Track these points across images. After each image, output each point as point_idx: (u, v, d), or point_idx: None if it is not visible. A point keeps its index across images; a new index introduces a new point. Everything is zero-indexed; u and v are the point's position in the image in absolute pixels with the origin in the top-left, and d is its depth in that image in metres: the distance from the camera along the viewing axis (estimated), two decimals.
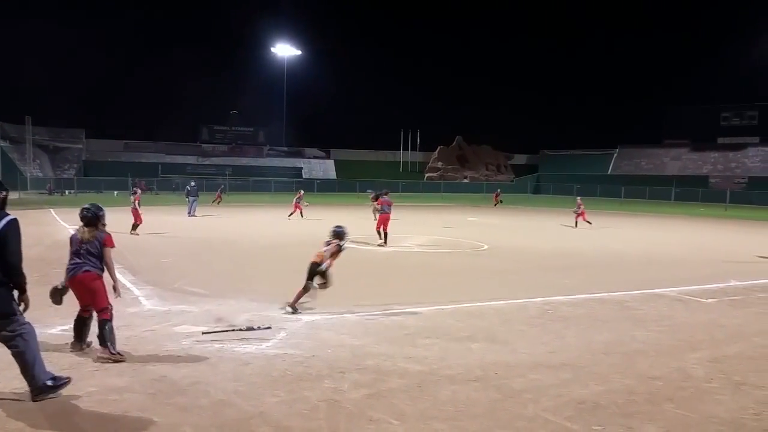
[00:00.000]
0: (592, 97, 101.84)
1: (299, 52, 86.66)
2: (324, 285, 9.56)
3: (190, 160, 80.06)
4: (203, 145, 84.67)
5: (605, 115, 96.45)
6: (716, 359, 7.28)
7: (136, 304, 9.71)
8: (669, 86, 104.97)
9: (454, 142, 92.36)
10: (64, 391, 5.62)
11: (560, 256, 17.45)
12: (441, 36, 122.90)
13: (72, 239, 7.08)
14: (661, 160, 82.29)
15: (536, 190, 79.87)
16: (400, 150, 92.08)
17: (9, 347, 5.47)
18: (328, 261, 9.62)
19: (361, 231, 20.91)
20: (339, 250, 9.83)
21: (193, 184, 31.34)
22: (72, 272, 6.88)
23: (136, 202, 21.57)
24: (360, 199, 44.89)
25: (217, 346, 7.28)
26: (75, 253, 6.94)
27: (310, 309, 9.43)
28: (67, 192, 56.62)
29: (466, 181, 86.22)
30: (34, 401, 5.39)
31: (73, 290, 6.97)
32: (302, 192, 31.95)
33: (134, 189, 23.79)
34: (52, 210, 32.59)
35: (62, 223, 24.35)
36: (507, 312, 9.68)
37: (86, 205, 7.23)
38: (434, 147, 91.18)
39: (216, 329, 7.80)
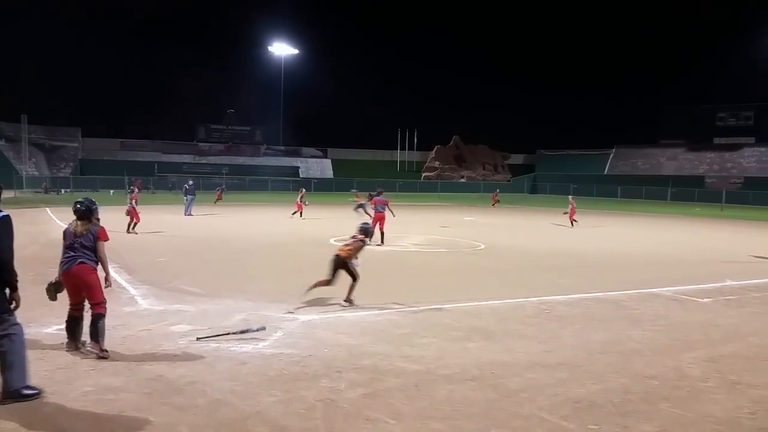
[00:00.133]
0: (588, 97, 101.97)
1: (296, 51, 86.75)
2: (353, 276, 9.95)
3: (187, 158, 80.00)
4: (200, 143, 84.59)
5: (602, 115, 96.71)
6: (712, 359, 7.29)
7: (132, 303, 9.69)
8: (665, 86, 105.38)
9: (451, 142, 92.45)
10: (61, 391, 5.61)
11: (557, 256, 17.47)
12: (438, 35, 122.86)
13: (65, 233, 7.06)
14: (658, 160, 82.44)
15: (533, 190, 80.00)
16: (397, 149, 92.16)
17: None
18: (355, 257, 10.08)
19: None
20: (363, 245, 10.22)
21: (191, 182, 31.45)
22: (66, 265, 6.86)
23: (134, 201, 21.54)
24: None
25: (213, 345, 7.28)
26: (69, 247, 6.92)
27: (334, 301, 9.49)
28: (63, 191, 56.55)
29: (463, 180, 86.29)
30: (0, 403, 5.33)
31: (66, 284, 6.94)
32: (304, 190, 31.94)
33: (132, 188, 23.74)
34: (47, 209, 32.51)
35: (58, 221, 24.27)
36: (504, 311, 9.68)
37: (80, 199, 7.24)
38: (431, 146, 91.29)
39: (210, 335, 7.74)
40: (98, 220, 7.22)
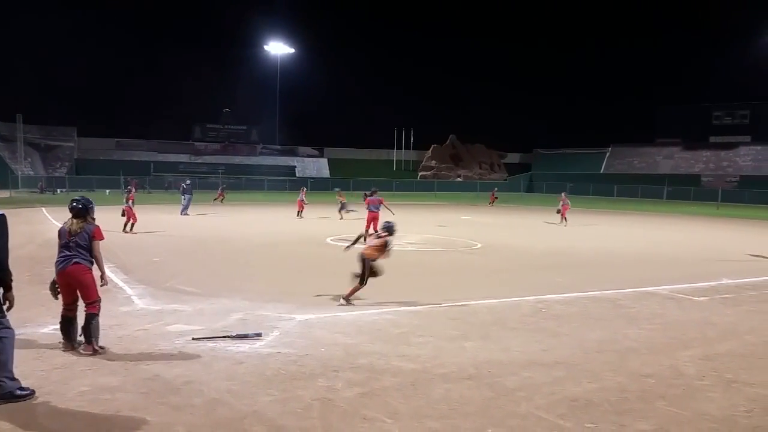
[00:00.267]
0: (584, 96, 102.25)
1: (292, 50, 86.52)
2: (374, 274, 10.12)
3: (183, 158, 79.89)
4: (196, 143, 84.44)
5: (598, 115, 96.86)
6: (708, 357, 7.31)
7: (129, 303, 9.67)
8: (661, 85, 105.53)
9: (448, 141, 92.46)
10: (57, 391, 5.60)
11: (553, 255, 17.49)
12: (435, 35, 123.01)
13: (60, 232, 7.05)
14: (654, 159, 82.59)
15: (529, 189, 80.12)
16: (393, 149, 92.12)
17: None
18: (378, 254, 10.21)
19: (354, 230, 20.92)
20: (386, 244, 10.32)
21: (188, 182, 31.51)
22: (62, 265, 6.85)
23: (131, 201, 21.48)
24: (354, 198, 44.85)
25: (210, 345, 7.27)
26: (64, 246, 6.91)
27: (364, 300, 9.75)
28: (58, 190, 56.41)
29: (459, 179, 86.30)
30: None
31: (61, 284, 6.93)
32: (305, 189, 31.95)
33: (129, 188, 23.68)
34: (43, 208, 32.45)
35: (54, 221, 24.20)
36: (500, 310, 9.69)
37: (76, 197, 7.22)
38: (428, 146, 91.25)
39: (206, 336, 7.72)
40: (94, 220, 7.21)
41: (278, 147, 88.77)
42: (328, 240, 19.77)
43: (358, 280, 10.00)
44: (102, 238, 7.09)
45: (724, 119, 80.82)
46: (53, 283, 7.07)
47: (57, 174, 67.35)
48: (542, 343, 7.77)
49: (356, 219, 25.45)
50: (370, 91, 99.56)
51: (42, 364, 6.37)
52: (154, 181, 65.26)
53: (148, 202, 36.30)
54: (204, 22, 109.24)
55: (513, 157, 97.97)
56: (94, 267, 7.00)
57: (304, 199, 30.15)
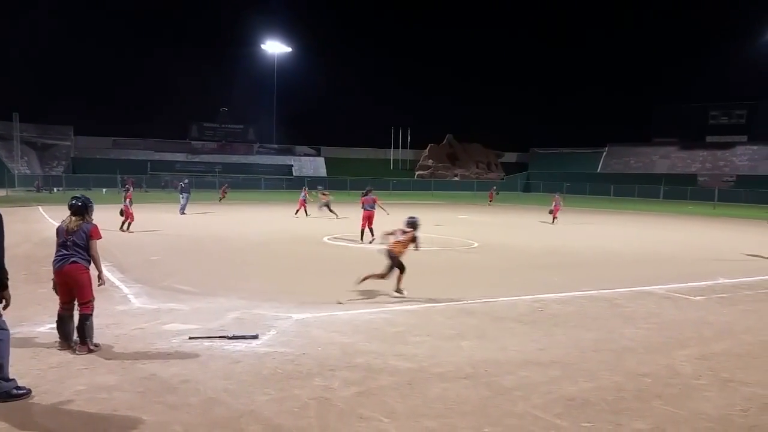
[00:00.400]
0: (581, 95, 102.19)
1: (289, 49, 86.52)
2: (383, 275, 10.39)
3: (180, 157, 79.81)
4: (193, 142, 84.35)
5: (595, 114, 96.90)
6: (704, 356, 7.32)
7: (125, 302, 9.65)
8: (658, 85, 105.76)
9: (445, 140, 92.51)
10: (53, 390, 5.59)
11: (550, 254, 17.51)
12: (432, 34, 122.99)
13: (58, 230, 7.05)
14: (650, 159, 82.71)
15: (526, 188, 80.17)
16: (390, 148, 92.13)
17: None
18: (404, 249, 10.53)
19: (351, 229, 20.93)
20: (415, 239, 10.61)
21: (186, 181, 31.66)
22: (59, 264, 6.85)
23: (128, 200, 21.44)
24: (350, 196, 44.85)
25: (206, 344, 7.26)
26: (61, 245, 6.90)
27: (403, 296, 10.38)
28: (55, 189, 56.27)
29: (456, 179, 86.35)
30: None
31: (58, 282, 6.93)
32: (306, 188, 32.00)
33: (127, 186, 23.63)
34: (40, 207, 32.38)
35: (50, 220, 24.16)
36: (497, 309, 9.70)
37: (77, 195, 7.22)
38: (425, 145, 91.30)
39: (203, 335, 7.70)
40: (92, 219, 7.20)
41: (275, 146, 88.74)
42: (325, 239, 19.76)
43: (398, 271, 10.41)
44: (99, 237, 7.08)
45: (721, 119, 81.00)
46: (54, 282, 7.06)
47: (53, 173, 67.20)
48: (539, 342, 7.77)
49: (350, 218, 25.41)
50: (367, 91, 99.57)
51: (38, 363, 6.36)
52: (150, 180, 65.15)
53: (145, 201, 36.23)
54: (201, 21, 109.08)
55: (510, 157, 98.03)
56: (92, 266, 7.00)
57: (307, 198, 30.20)
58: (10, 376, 5.43)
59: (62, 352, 6.78)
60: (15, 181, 57.81)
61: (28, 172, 65.47)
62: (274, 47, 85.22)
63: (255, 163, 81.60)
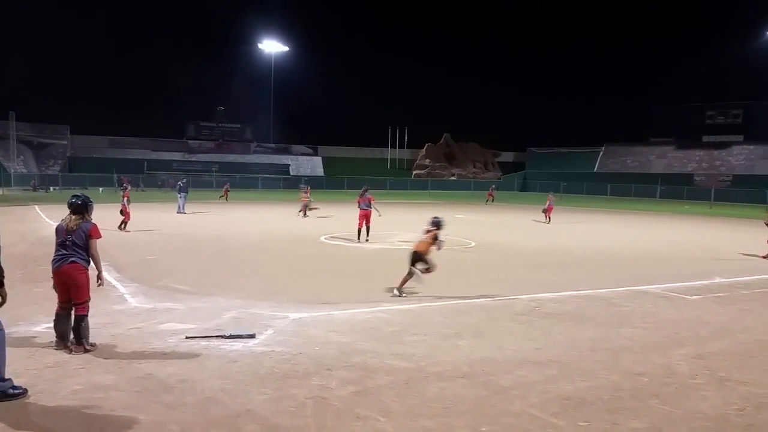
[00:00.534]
0: (578, 95, 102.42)
1: (286, 49, 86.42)
2: (428, 270, 10.57)
3: (176, 156, 79.68)
4: (189, 141, 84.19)
5: (591, 114, 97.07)
6: (701, 355, 7.34)
7: (122, 301, 9.64)
8: (654, 85, 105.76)
9: (442, 140, 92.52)
10: (50, 390, 5.58)
11: (547, 254, 17.52)
12: (429, 34, 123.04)
13: (58, 229, 7.04)
14: (647, 158, 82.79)
15: (523, 188, 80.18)
16: (387, 147, 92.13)
17: None
18: (429, 248, 10.64)
19: (348, 228, 20.92)
20: (436, 238, 10.66)
21: (184, 180, 31.70)
22: (58, 263, 6.84)
23: (126, 199, 21.40)
24: (348, 196, 44.86)
25: (203, 343, 7.25)
26: (60, 245, 6.89)
27: (416, 293, 10.52)
28: (51, 188, 56.14)
29: (453, 178, 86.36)
30: None
31: (56, 282, 6.92)
32: (309, 188, 32.00)
33: (124, 185, 23.58)
34: (36, 206, 32.27)
35: (47, 219, 24.12)
36: (494, 309, 9.71)
37: (77, 194, 7.21)
38: (422, 144, 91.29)
39: (200, 335, 7.70)
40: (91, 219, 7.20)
41: (272, 145, 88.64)
42: (322, 238, 19.76)
43: (426, 270, 10.55)
44: (99, 237, 7.06)
45: (717, 119, 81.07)
46: (53, 283, 7.06)
47: (50, 172, 67.02)
48: (536, 341, 7.78)
49: (347, 217, 25.39)
50: (364, 90, 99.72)
51: (35, 363, 6.35)
52: (147, 179, 65.04)
53: (141, 201, 36.17)
54: (198, 20, 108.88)
55: (507, 156, 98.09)
56: (91, 266, 6.98)
57: (309, 197, 30.22)
58: (6, 376, 5.41)
59: (58, 351, 6.76)
60: (11, 180, 57.70)
61: (24, 171, 65.33)
62: (271, 46, 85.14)
63: (252, 162, 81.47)
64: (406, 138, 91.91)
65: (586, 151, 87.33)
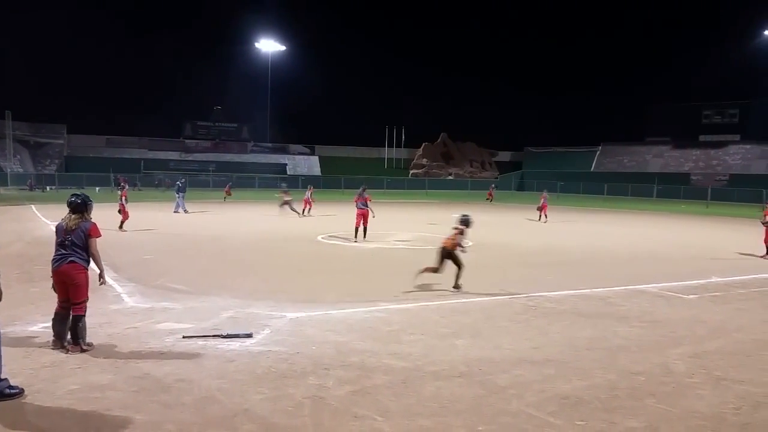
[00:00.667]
0: (575, 95, 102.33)
1: (283, 48, 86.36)
2: (458, 265, 11.00)
3: (173, 155, 79.62)
4: (186, 140, 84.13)
5: (588, 113, 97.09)
6: (697, 355, 7.35)
7: (119, 301, 9.62)
8: (651, 84, 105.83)
9: (439, 139, 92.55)
10: (46, 389, 5.57)
11: (544, 253, 17.53)
12: (426, 33, 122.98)
13: (57, 229, 7.04)
14: (644, 158, 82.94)
15: (520, 187, 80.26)
16: (384, 146, 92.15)
17: None
18: (457, 244, 11.08)
19: (345, 227, 20.91)
20: (463, 235, 11.15)
21: (183, 180, 31.77)
22: (57, 263, 6.83)
23: (123, 198, 21.35)
24: (345, 195, 44.82)
25: (200, 343, 7.25)
26: (60, 244, 6.87)
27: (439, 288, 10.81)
28: (48, 188, 56.01)
29: (450, 177, 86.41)
30: None
31: (56, 281, 6.91)
32: (312, 187, 32.06)
33: (122, 185, 23.54)
34: (32, 206, 32.23)
35: (43, 219, 24.07)
36: (491, 308, 9.71)
37: (76, 192, 7.20)
38: (419, 144, 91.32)
39: (197, 334, 7.69)
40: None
41: (269, 145, 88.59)
42: (319, 238, 19.75)
43: (456, 268, 10.91)
44: (99, 236, 7.05)
45: (714, 118, 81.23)
46: (53, 284, 7.05)
47: (46, 171, 66.93)
48: (533, 340, 7.79)
49: (345, 217, 25.38)
50: (361, 89, 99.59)
51: (31, 363, 6.33)
52: (144, 178, 64.94)
53: (138, 200, 36.11)
54: (195, 20, 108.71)
55: (504, 156, 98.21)
56: (92, 265, 6.97)
57: (311, 197, 30.29)
58: (3, 376, 5.40)
59: (55, 351, 6.75)
60: (7, 180, 57.56)
61: (20, 170, 65.18)
62: (268, 46, 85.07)
63: (249, 161, 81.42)
64: (403, 137, 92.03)
65: (583, 150, 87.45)
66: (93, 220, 7.13)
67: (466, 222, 11.27)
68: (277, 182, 40.32)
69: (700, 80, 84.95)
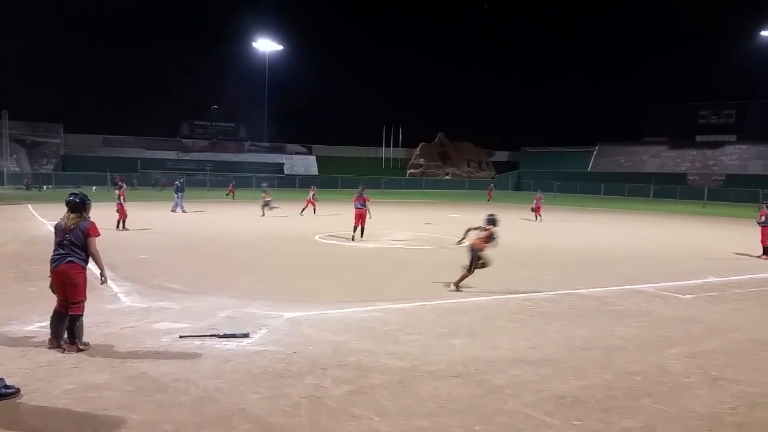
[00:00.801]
0: (572, 95, 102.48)
1: (281, 47, 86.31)
2: (483, 265, 11.08)
3: (170, 155, 79.53)
4: (183, 140, 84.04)
5: (585, 113, 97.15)
6: (694, 354, 7.36)
7: (115, 300, 9.60)
8: (648, 85, 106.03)
9: (436, 139, 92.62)
10: (43, 389, 5.56)
11: (541, 253, 17.55)
12: (424, 33, 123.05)
13: (56, 228, 7.03)
14: (640, 158, 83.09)
15: (517, 187, 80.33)
16: (382, 146, 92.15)
17: None
18: (485, 245, 11.12)
19: (342, 227, 20.90)
20: (492, 235, 11.16)
21: (182, 179, 31.80)
22: (56, 263, 6.81)
23: (121, 197, 21.32)
24: (342, 195, 44.81)
25: (197, 343, 7.23)
26: (59, 244, 6.86)
27: (472, 288, 11.00)
28: (44, 187, 55.91)
29: (447, 177, 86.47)
30: None
31: (54, 281, 6.90)
32: (315, 187, 32.04)
33: (120, 184, 23.49)
34: (29, 205, 32.16)
35: (39, 218, 24.02)
36: (488, 308, 9.72)
37: (75, 191, 7.19)
38: (416, 143, 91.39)
39: (194, 334, 7.68)
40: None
41: (266, 144, 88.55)
42: (317, 237, 19.74)
43: (467, 268, 10.97)
44: (98, 235, 7.04)
45: (711, 118, 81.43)
46: (50, 283, 7.03)
47: (43, 170, 66.81)
48: (530, 340, 7.79)
49: (343, 216, 25.40)
50: (358, 89, 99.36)
51: (27, 362, 6.32)
52: (141, 178, 64.85)
53: (135, 200, 36.05)
54: (192, 19, 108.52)
55: (501, 155, 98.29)
56: (90, 265, 6.96)
57: (314, 197, 30.32)
58: None
59: (51, 350, 6.73)
60: (4, 179, 57.47)
61: (17, 169, 65.06)
62: (266, 45, 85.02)
63: (246, 161, 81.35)
64: (400, 137, 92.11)
65: (580, 150, 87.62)
66: (92, 220, 7.12)
67: (492, 221, 11.33)
68: (260, 182, 40.32)
69: (697, 80, 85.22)
